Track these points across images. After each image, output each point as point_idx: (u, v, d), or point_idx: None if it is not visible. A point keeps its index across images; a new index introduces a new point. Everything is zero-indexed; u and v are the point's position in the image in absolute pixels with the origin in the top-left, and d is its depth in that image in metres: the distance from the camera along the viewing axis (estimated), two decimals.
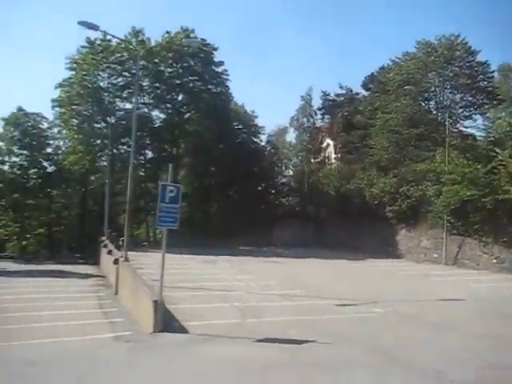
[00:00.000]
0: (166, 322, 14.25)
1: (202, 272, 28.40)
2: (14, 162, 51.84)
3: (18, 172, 51.26)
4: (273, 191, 57.10)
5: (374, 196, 42.51)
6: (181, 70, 52.51)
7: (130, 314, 17.69)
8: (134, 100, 51.81)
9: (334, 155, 57.97)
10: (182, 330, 14.24)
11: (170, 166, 14.76)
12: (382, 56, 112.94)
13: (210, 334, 13.63)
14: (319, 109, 59.40)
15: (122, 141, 50.83)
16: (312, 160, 57.47)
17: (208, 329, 14.27)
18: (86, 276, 32.06)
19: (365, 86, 56.63)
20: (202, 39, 48.28)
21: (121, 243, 25.81)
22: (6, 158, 51.68)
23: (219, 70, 53.74)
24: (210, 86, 53.45)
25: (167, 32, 52.28)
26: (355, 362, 11.07)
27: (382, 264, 34.80)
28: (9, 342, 13.93)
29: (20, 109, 51.34)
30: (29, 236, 53.45)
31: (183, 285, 21.84)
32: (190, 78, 52.97)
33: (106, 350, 12.91)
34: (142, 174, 52.25)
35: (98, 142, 51.65)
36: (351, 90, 58.59)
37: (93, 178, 54.10)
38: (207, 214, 51.30)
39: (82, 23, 25.04)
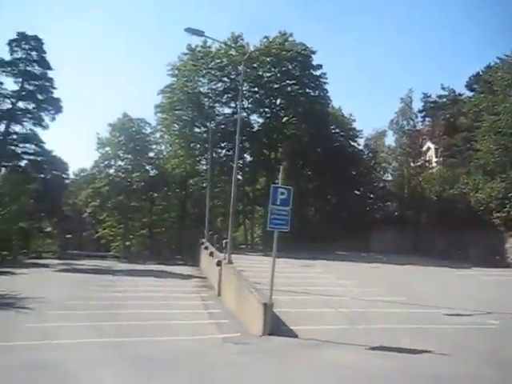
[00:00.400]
0: (274, 326, 14.18)
1: (302, 276, 28.19)
2: (120, 165, 54.13)
3: (123, 175, 53.38)
4: (371, 196, 56.06)
5: (480, 201, 40.56)
6: (279, 75, 52.69)
7: (235, 315, 17.80)
8: (234, 105, 53.40)
9: (435, 159, 56.04)
10: (291, 333, 14.12)
11: (282, 167, 14.70)
12: (489, 55, 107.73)
13: (319, 340, 13.41)
14: (420, 111, 57.76)
15: (222, 145, 51.97)
16: (412, 164, 55.82)
17: (317, 334, 14.04)
18: (188, 277, 32.76)
19: (469, 87, 54.35)
20: (300, 43, 48.14)
21: (223, 245, 26.09)
22: (113, 162, 54.08)
23: (317, 73, 53.46)
24: (307, 90, 53.25)
25: (265, 37, 52.67)
26: (481, 376, 10.45)
27: (490, 273, 32.97)
28: (122, 337, 14.40)
29: (125, 115, 53.56)
30: (132, 237, 55.54)
31: (285, 288, 21.68)
32: (288, 81, 53.01)
33: (218, 352, 13.01)
34: (240, 177, 52.93)
35: (198, 146, 52.96)
36: (454, 91, 56.46)
37: (191, 181, 55.39)
38: (304, 217, 51.03)
39: (188, 30, 25.58)
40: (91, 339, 14.16)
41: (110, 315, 17.85)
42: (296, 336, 13.88)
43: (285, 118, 53.65)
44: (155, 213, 54.87)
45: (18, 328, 15.69)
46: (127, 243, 54.44)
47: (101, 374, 10.62)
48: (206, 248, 34.05)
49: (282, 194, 14.04)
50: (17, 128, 47.81)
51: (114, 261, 46.68)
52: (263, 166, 53.26)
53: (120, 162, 54.16)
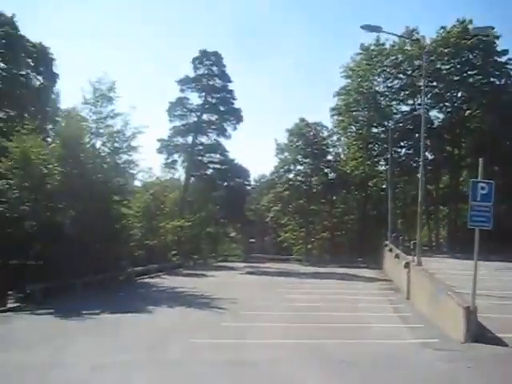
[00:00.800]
0: (478, 332, 13.07)
1: (499, 279, 25.94)
2: (299, 170, 54.91)
3: (302, 179, 54.11)
4: None
5: None
6: (459, 66, 49.97)
7: (429, 319, 16.82)
8: (411, 101, 51.88)
9: None
10: (499, 342, 12.84)
11: (481, 160, 13.53)
12: None
13: None
14: None
15: (401, 144, 50.54)
16: None
17: None
18: (372, 279, 32.15)
19: None
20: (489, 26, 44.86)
21: (411, 247, 25.00)
22: (292, 167, 55.01)
23: (503, 59, 49.63)
24: (492, 79, 49.77)
25: (442, 27, 50.32)
26: None
27: None
28: (316, 339, 14.27)
29: (302, 120, 54.23)
30: (313, 240, 55.99)
31: (484, 292, 19.95)
32: (469, 72, 50.03)
33: (419, 358, 12.24)
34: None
35: (376, 146, 52.19)
36: None
37: (370, 182, 54.46)
38: (495, 217, 47.29)
39: (365, 27, 24.99)
40: (285, 340, 14.26)
41: (301, 316, 17.92)
42: (506, 345, 12.62)
43: (468, 112, 50.67)
44: (335, 216, 54.79)
45: (216, 327, 16.38)
46: (308, 246, 54.98)
47: (301, 375, 10.59)
48: (391, 250, 33.00)
49: (483, 189, 12.96)
50: (203, 139, 51.15)
51: (297, 264, 47.43)
52: (446, 163, 50.75)
53: (299, 167, 54.91)
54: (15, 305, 21.25)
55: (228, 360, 11.76)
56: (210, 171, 51.82)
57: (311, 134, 53.31)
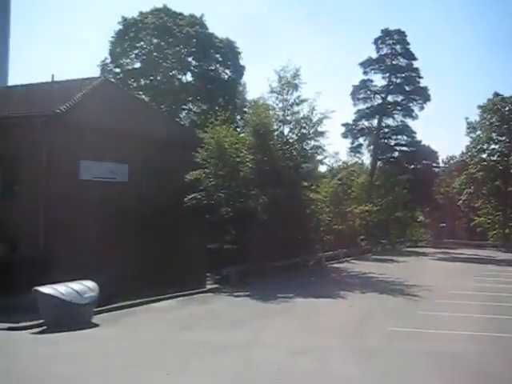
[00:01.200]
0: None
1: None
2: (493, 149, 51.13)
3: (498, 159, 50.33)
4: None
5: None
6: None
7: None
8: None
9: None
10: None
11: None
12: None
13: None
14: None
15: None
16: None
17: None
18: None
19: None
20: None
21: None
22: (485, 146, 51.39)
23: None
24: None
25: None
26: None
27: None
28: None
29: (496, 94, 50.32)
30: (511, 224, 51.97)
31: None
32: None
33: None
34: None
35: None
36: None
37: None
38: None
39: None
40: (488, 333, 13.27)
41: (505, 308, 16.70)
42: None
43: None
44: None
45: (412, 315, 15.89)
46: (506, 231, 51.03)
47: None
48: None
49: None
50: (388, 121, 50.24)
51: (493, 250, 44.65)
52: None
53: (493, 146, 51.10)
54: (214, 286, 22.49)
55: (431, 351, 11.29)
56: (396, 154, 50.58)
57: (507, 109, 49.23)
